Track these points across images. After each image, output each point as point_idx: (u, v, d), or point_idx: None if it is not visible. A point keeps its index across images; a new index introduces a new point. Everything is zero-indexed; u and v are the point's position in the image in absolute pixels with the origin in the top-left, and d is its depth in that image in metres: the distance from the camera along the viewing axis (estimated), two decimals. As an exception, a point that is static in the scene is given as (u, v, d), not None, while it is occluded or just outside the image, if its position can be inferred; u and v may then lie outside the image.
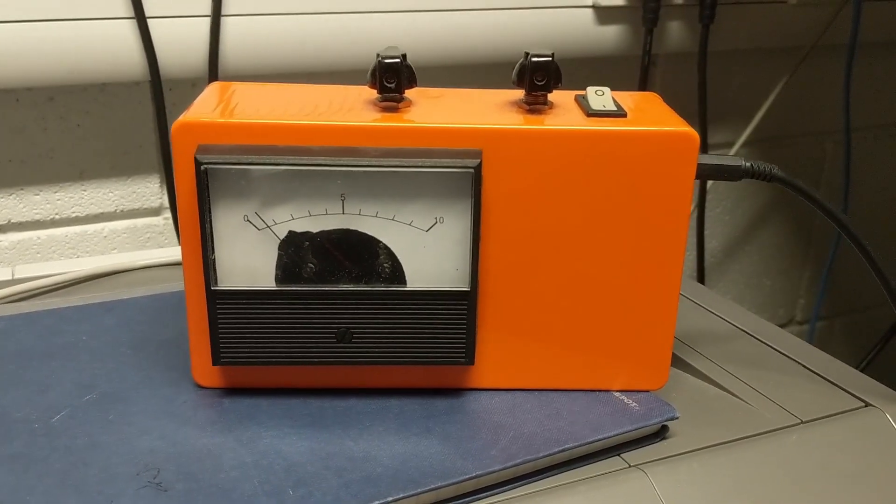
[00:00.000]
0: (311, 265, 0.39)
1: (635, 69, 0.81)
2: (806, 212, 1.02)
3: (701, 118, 0.84)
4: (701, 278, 0.94)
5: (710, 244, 0.98)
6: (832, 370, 0.47)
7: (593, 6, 0.75)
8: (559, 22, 0.75)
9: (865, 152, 1.02)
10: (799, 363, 0.48)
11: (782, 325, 1.06)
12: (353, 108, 0.40)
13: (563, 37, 0.75)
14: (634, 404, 0.41)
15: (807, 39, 0.87)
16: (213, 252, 0.38)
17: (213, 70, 0.65)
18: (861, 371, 0.48)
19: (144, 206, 0.71)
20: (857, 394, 0.45)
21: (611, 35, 0.77)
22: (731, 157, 0.41)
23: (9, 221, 0.67)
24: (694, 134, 0.38)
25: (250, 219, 0.38)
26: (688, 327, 0.51)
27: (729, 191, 0.96)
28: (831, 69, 0.94)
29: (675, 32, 0.80)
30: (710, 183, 0.90)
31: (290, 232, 0.38)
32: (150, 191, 0.70)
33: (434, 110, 0.40)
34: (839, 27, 0.86)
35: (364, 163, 0.37)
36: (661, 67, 0.85)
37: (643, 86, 0.81)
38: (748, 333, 0.51)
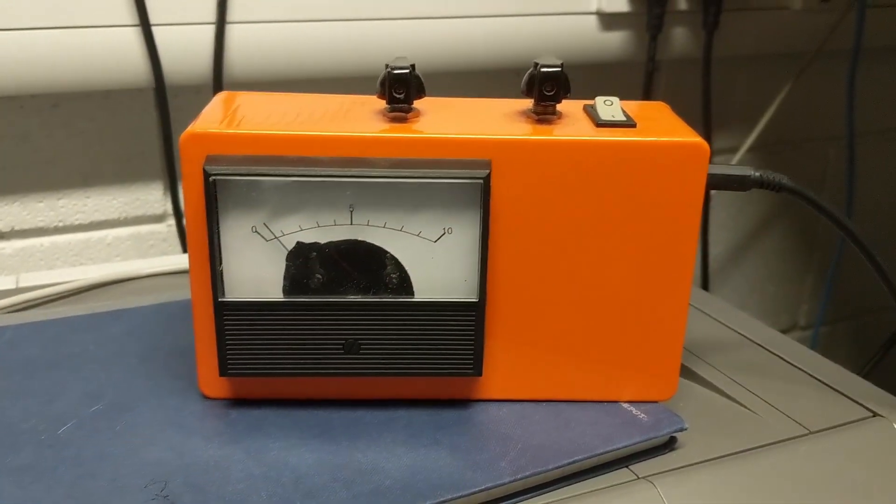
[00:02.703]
0: (319, 276, 0.39)
1: (639, 75, 0.81)
2: (809, 218, 1.02)
3: (705, 124, 0.84)
4: (705, 284, 0.94)
5: (714, 250, 0.98)
6: (838, 379, 0.47)
7: (597, 13, 0.75)
8: (563, 28, 0.75)
9: (869, 157, 1.02)
10: (805, 372, 0.48)
11: (785, 331, 1.06)
12: (362, 118, 0.39)
13: (567, 43, 0.75)
14: (643, 415, 0.41)
15: (810, 45, 0.87)
16: (221, 263, 0.38)
17: (218, 77, 0.65)
18: (863, 377, 0.48)
19: (148, 214, 0.71)
20: (864, 403, 0.45)
21: (615, 41, 0.77)
22: (740, 167, 0.41)
23: (12, 229, 0.67)
24: (704, 144, 0.38)
25: (258, 230, 0.38)
26: (693, 336, 0.51)
27: (733, 197, 0.96)
28: (835, 75, 0.94)
29: (680, 39, 0.80)
30: (714, 189, 0.90)
31: (298, 243, 0.38)
32: (154, 198, 0.70)
33: (443, 121, 0.39)
34: (843, 33, 0.86)
35: (373, 173, 0.37)
36: (665, 74, 0.85)
37: (647, 92, 0.81)
38: (754, 342, 0.51)
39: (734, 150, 0.91)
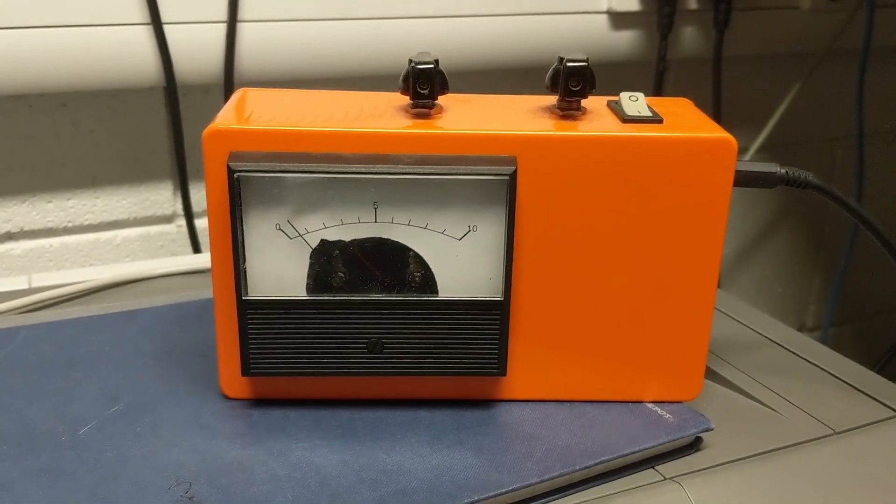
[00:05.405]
0: (343, 274, 0.38)
1: (650, 75, 0.81)
2: (817, 219, 1.02)
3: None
4: (714, 285, 0.93)
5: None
6: (861, 379, 0.47)
7: (608, 12, 0.75)
8: (574, 27, 0.74)
9: (877, 158, 1.01)
10: (827, 372, 0.48)
11: (793, 332, 1.05)
12: (385, 114, 0.39)
13: (578, 42, 0.75)
14: (668, 415, 0.41)
15: (820, 45, 0.87)
16: (245, 261, 0.37)
17: (229, 76, 0.64)
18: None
19: (157, 214, 0.70)
20: (888, 403, 0.44)
21: (625, 41, 0.77)
22: (765, 164, 0.41)
23: (21, 229, 0.66)
24: (732, 140, 0.38)
25: (282, 227, 0.37)
26: (713, 335, 0.51)
27: (740, 197, 0.96)
28: (844, 75, 0.94)
29: (690, 38, 0.80)
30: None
31: (322, 240, 0.38)
32: (164, 198, 0.70)
33: (467, 117, 0.39)
34: (852, 33, 0.86)
35: (398, 170, 0.36)
36: (675, 73, 0.84)
37: (658, 91, 0.80)
38: (773, 341, 0.51)
39: (744, 150, 0.91)
